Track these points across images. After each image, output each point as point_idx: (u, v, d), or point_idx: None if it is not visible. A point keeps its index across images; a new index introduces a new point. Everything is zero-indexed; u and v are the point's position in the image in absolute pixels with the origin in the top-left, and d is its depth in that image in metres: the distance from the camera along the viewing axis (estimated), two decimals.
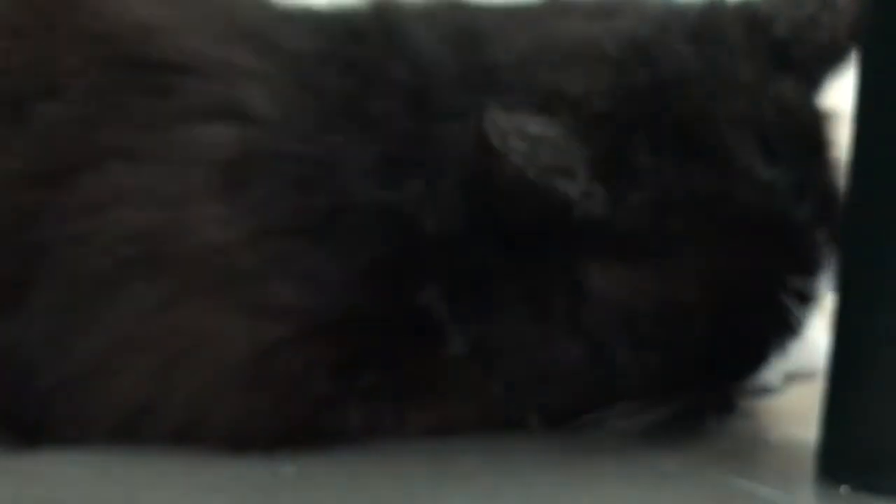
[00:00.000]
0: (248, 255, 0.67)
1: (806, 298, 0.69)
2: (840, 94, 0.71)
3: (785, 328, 0.70)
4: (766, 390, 0.73)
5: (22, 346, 0.68)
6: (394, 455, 0.68)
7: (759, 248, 0.67)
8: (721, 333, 0.67)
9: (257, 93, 0.69)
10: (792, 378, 0.72)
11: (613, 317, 0.66)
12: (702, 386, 0.69)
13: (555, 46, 0.70)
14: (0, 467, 0.66)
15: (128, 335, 0.67)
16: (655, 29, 0.70)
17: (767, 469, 0.68)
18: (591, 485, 0.65)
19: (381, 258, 0.68)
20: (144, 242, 0.67)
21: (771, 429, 0.76)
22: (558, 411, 0.70)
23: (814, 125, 0.71)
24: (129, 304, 0.67)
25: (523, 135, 0.63)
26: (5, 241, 0.69)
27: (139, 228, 0.67)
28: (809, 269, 0.68)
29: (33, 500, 0.62)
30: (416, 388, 0.70)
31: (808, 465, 0.66)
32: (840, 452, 0.64)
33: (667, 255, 0.66)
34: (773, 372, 0.71)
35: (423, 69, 0.70)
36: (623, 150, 0.65)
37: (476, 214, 0.67)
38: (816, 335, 0.71)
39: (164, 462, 0.66)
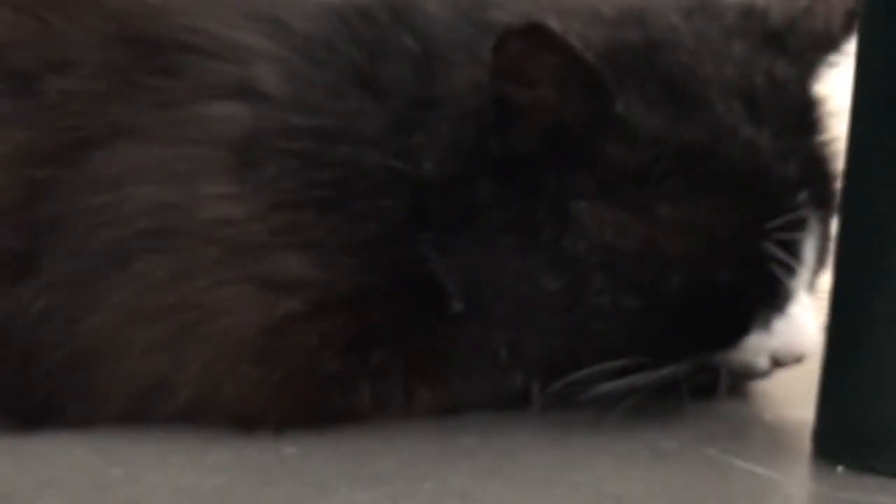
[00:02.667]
0: (258, 229, 0.68)
1: (788, 261, 0.69)
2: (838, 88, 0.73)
3: (766, 292, 0.70)
4: (756, 374, 0.73)
5: (28, 322, 0.68)
6: (396, 436, 0.69)
7: (741, 205, 0.68)
8: (701, 287, 0.68)
9: (267, 72, 0.70)
10: (782, 362, 0.72)
11: (595, 252, 0.67)
12: (685, 349, 0.69)
13: (555, 8, 0.71)
14: (2, 447, 0.66)
15: (139, 308, 0.67)
16: (651, 4, 0.74)
17: (764, 449, 0.68)
18: (589, 463, 0.65)
19: (388, 223, 0.69)
20: (156, 216, 0.68)
21: (767, 410, 0.76)
22: (548, 365, 0.70)
23: (804, 101, 0.73)
24: (140, 276, 0.67)
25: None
26: (12, 216, 0.69)
27: (151, 203, 0.68)
28: (791, 228, 0.68)
29: (34, 479, 0.62)
30: (424, 363, 0.71)
31: (805, 445, 0.67)
32: (836, 432, 0.65)
33: (652, 200, 0.67)
34: (760, 354, 0.72)
35: (431, 38, 0.72)
36: (616, 91, 0.67)
37: (473, 152, 0.69)
38: (806, 317, 0.71)
39: (167, 443, 0.67)
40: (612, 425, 0.69)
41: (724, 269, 0.68)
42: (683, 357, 0.69)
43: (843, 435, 0.65)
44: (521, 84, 0.66)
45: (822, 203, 0.70)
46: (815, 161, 0.71)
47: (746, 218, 0.68)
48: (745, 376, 0.74)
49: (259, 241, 0.68)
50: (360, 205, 0.69)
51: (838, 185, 0.70)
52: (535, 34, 0.65)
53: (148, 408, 0.69)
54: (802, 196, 0.69)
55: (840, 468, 0.64)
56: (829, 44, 0.75)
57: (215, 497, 0.60)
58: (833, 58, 0.76)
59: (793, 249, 0.69)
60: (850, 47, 0.72)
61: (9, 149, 0.70)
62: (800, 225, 0.69)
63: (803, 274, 0.71)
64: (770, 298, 0.70)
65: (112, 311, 0.67)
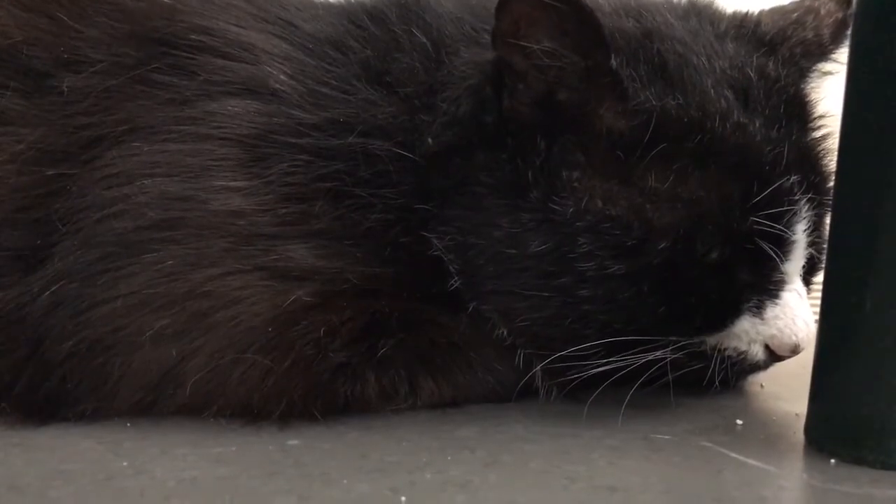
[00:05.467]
0: (267, 220, 0.69)
1: (778, 244, 0.69)
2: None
3: (757, 274, 0.71)
4: (753, 365, 0.73)
5: (38, 311, 0.69)
6: (397, 428, 0.70)
7: (730, 181, 0.68)
8: (687, 261, 0.68)
9: (277, 70, 0.72)
10: (778, 352, 0.72)
11: (582, 216, 0.68)
12: (672, 328, 0.69)
13: None
14: (11, 440, 0.67)
15: (149, 297, 0.68)
16: (648, 3, 0.76)
17: (758, 442, 0.69)
18: (585, 455, 0.66)
19: (393, 210, 0.71)
20: (167, 209, 0.69)
21: (760, 403, 0.77)
22: (543, 340, 0.70)
23: (796, 99, 0.74)
24: (150, 266, 0.68)
25: None
26: (26, 213, 0.70)
27: (163, 196, 0.69)
28: (780, 211, 0.69)
29: (42, 471, 0.63)
30: (428, 354, 0.72)
31: (798, 438, 0.68)
32: (829, 425, 0.66)
33: (641, 170, 0.68)
34: (754, 342, 0.72)
35: (439, 31, 0.74)
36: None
37: (469, 124, 0.71)
38: (801, 306, 0.72)
39: (172, 436, 0.68)
40: (607, 418, 0.70)
41: (712, 245, 0.69)
42: (672, 336, 0.69)
43: (836, 428, 0.65)
44: (521, 39, 0.67)
45: (813, 192, 0.71)
46: (806, 151, 0.72)
47: (734, 195, 0.68)
48: (742, 369, 0.74)
49: (268, 232, 0.69)
50: (367, 193, 0.70)
51: (830, 180, 0.71)
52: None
53: (157, 399, 0.69)
54: (791, 180, 0.69)
55: (833, 461, 0.65)
56: (819, 53, 0.77)
57: (219, 488, 0.61)
58: (825, 66, 0.78)
59: (783, 232, 0.69)
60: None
61: (23, 146, 0.70)
62: (789, 207, 0.69)
63: (796, 260, 0.71)
64: (761, 282, 0.71)
65: (122, 300, 0.68)
